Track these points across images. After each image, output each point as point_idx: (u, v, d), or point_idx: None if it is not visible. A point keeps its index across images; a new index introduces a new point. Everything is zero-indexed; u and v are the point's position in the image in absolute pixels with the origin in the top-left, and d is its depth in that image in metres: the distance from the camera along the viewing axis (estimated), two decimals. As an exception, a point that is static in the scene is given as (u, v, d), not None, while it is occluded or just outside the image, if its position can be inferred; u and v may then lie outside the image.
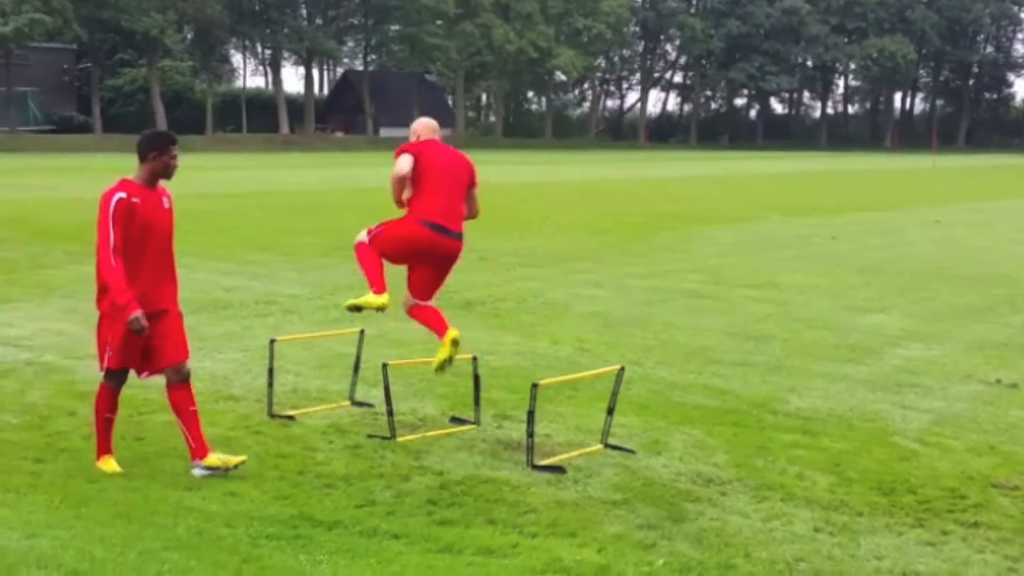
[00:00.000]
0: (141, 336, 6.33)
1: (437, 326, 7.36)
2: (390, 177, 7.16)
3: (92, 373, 9.11)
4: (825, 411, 8.45)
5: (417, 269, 7.45)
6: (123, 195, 6.31)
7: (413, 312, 7.49)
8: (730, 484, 6.63)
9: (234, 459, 6.58)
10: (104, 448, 6.68)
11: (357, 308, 7.37)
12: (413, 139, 7.46)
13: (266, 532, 5.57)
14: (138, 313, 6.25)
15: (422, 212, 7.19)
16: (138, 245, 6.35)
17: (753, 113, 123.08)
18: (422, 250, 7.29)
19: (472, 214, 7.51)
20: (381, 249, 7.36)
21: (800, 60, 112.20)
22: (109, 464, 6.63)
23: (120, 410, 7.95)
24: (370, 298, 7.25)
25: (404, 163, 7.14)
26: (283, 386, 8.60)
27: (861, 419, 8.24)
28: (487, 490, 6.40)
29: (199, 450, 6.56)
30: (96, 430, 6.73)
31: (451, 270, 7.55)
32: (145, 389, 8.62)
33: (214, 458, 6.55)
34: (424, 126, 7.56)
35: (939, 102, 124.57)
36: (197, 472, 6.51)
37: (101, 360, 6.61)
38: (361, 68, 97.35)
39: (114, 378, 6.67)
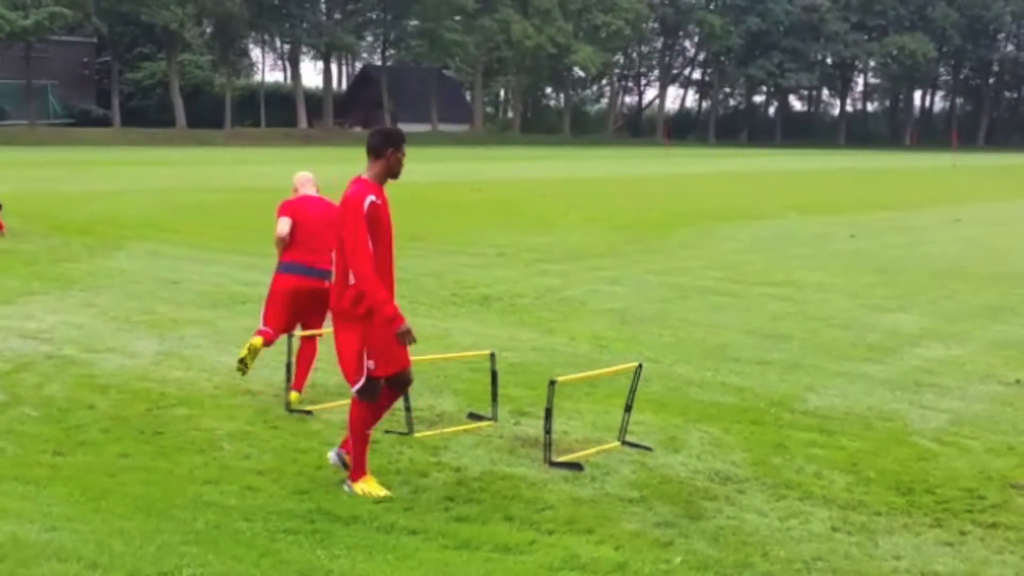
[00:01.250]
0: (406, 345, 6.13)
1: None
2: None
3: (110, 366, 9.18)
4: (843, 410, 8.42)
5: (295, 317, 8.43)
6: (374, 198, 6.10)
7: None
8: (747, 482, 6.62)
9: (382, 491, 6.23)
10: (362, 469, 6.30)
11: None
12: (292, 194, 8.60)
13: (284, 527, 5.59)
14: (408, 324, 6.07)
15: (282, 260, 8.39)
16: (385, 248, 6.17)
17: (772, 110, 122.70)
18: (291, 297, 8.31)
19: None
20: (271, 326, 8.33)
21: (820, 57, 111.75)
22: (373, 485, 6.26)
23: (138, 404, 8.03)
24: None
25: (283, 226, 8.28)
26: (301, 381, 8.62)
27: (879, 418, 8.21)
28: (504, 487, 6.40)
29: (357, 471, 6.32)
30: (354, 450, 6.31)
31: (324, 314, 8.15)
32: (162, 383, 8.66)
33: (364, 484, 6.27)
34: (300, 181, 8.64)
35: (959, 100, 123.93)
36: (347, 488, 6.27)
37: (357, 372, 6.20)
38: (380, 63, 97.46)
39: (375, 388, 6.29)
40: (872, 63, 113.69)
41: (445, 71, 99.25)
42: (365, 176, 6.25)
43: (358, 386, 6.24)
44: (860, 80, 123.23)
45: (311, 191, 8.57)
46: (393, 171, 6.29)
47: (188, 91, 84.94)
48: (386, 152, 6.23)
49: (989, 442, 7.64)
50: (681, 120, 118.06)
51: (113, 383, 8.64)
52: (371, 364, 6.18)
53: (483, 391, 8.15)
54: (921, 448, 7.45)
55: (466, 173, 41.80)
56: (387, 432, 7.43)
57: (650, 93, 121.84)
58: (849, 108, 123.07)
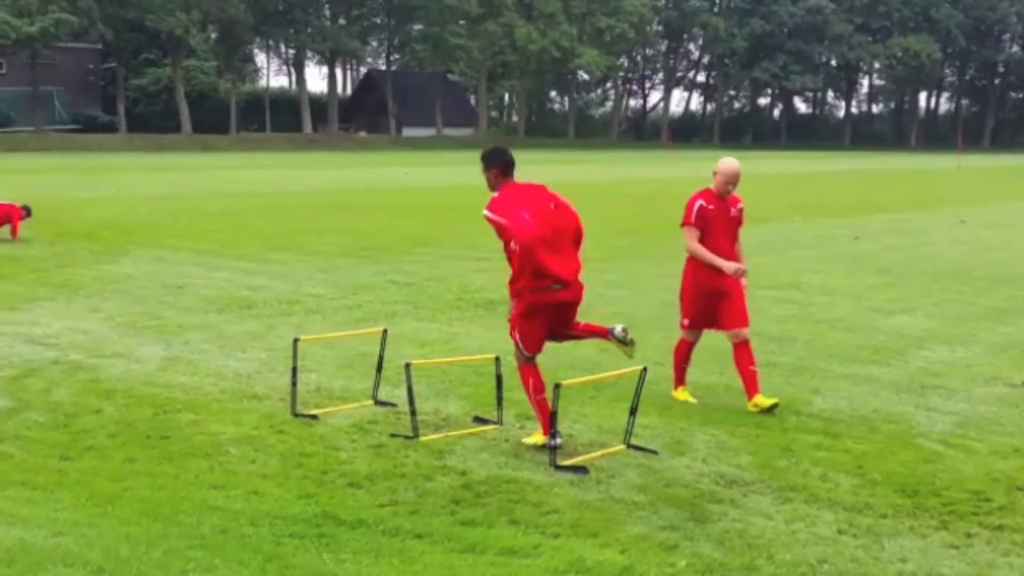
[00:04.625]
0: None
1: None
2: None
3: (116, 372, 9.21)
4: (848, 412, 8.42)
5: None
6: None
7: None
8: (753, 485, 6.62)
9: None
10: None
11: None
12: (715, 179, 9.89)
13: (290, 531, 5.60)
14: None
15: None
16: None
17: (776, 113, 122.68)
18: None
19: None
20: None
21: (824, 59, 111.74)
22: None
23: (144, 409, 8.05)
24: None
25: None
26: (306, 385, 8.64)
27: (885, 421, 8.21)
28: (510, 490, 6.41)
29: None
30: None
31: None
32: (168, 388, 8.68)
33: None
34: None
35: (964, 102, 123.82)
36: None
37: None
38: (384, 68, 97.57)
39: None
40: (877, 65, 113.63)
41: (449, 75, 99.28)
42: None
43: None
44: (865, 82, 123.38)
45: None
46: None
47: (193, 97, 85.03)
48: None
49: (995, 444, 7.64)
50: (685, 123, 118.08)
51: (119, 388, 8.66)
52: None
53: (488, 395, 8.17)
54: (927, 450, 7.45)
55: (471, 177, 41.74)
56: (392, 436, 7.45)
57: (654, 96, 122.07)
58: (854, 110, 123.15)
